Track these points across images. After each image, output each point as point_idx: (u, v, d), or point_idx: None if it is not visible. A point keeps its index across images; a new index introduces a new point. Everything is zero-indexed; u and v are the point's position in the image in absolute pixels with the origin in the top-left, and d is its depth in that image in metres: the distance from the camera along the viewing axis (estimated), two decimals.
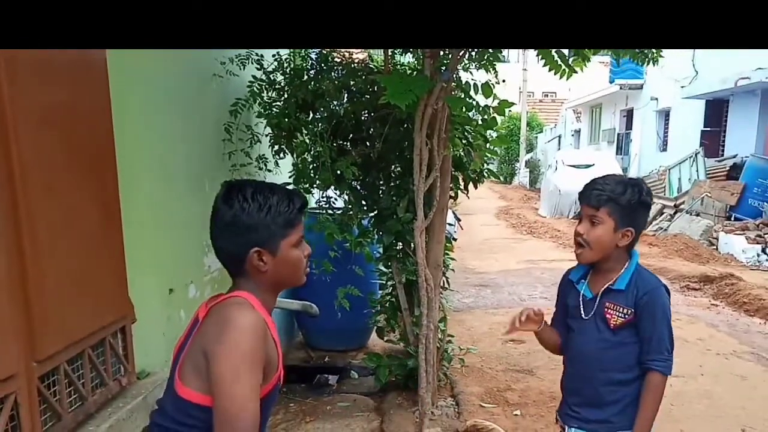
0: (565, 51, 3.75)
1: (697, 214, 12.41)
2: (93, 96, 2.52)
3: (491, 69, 3.99)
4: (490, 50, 3.84)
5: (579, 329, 2.34)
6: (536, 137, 33.98)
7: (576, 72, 3.70)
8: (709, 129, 15.42)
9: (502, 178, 33.05)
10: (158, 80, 3.22)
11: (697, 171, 14.01)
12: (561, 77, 3.65)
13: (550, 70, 3.63)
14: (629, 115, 21.67)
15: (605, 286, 2.27)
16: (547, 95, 40.65)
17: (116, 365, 2.74)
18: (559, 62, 3.53)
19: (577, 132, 28.32)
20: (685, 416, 4.34)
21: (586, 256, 2.27)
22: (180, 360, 1.61)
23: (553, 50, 3.53)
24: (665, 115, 18.69)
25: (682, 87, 16.13)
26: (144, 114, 3.06)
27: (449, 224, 6.14)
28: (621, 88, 20.48)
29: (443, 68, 3.64)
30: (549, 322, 2.51)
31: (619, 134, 22.42)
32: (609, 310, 2.25)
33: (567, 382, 2.43)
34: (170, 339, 3.02)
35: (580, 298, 2.33)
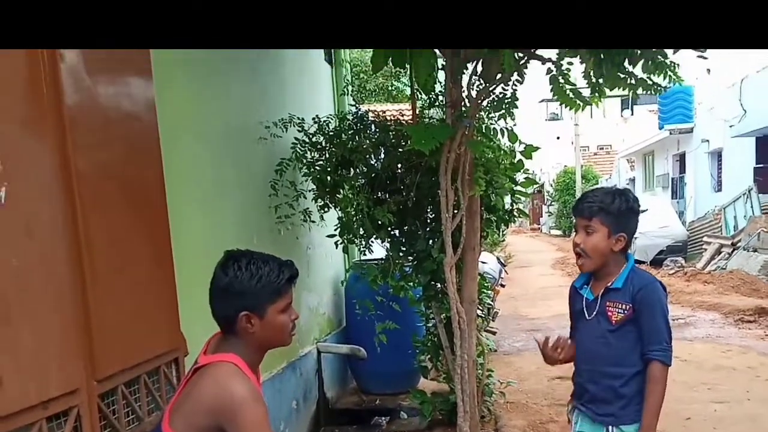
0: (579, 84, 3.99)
1: (755, 250, 12.23)
2: (145, 153, 2.88)
3: (510, 116, 4.28)
4: (507, 99, 4.15)
5: (584, 329, 2.57)
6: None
7: (590, 104, 3.93)
8: (761, 165, 15.26)
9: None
10: (207, 138, 3.64)
11: (752, 207, 13.86)
12: (576, 111, 3.93)
13: (566, 107, 3.92)
14: (682, 159, 21.50)
15: (604, 287, 2.49)
16: (602, 148, 40.43)
17: (170, 392, 3.01)
18: (573, 97, 3.82)
19: (632, 180, 28.10)
20: None
21: (588, 265, 2.52)
22: (170, 403, 1.87)
23: (567, 87, 3.82)
24: (717, 155, 18.51)
25: (731, 126, 16.04)
26: (193, 168, 3.46)
27: (484, 262, 6.34)
28: (671, 133, 20.43)
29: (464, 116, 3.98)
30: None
31: (673, 179, 22.22)
32: (610, 308, 2.47)
33: (576, 380, 2.64)
34: None
35: (584, 302, 2.57)
